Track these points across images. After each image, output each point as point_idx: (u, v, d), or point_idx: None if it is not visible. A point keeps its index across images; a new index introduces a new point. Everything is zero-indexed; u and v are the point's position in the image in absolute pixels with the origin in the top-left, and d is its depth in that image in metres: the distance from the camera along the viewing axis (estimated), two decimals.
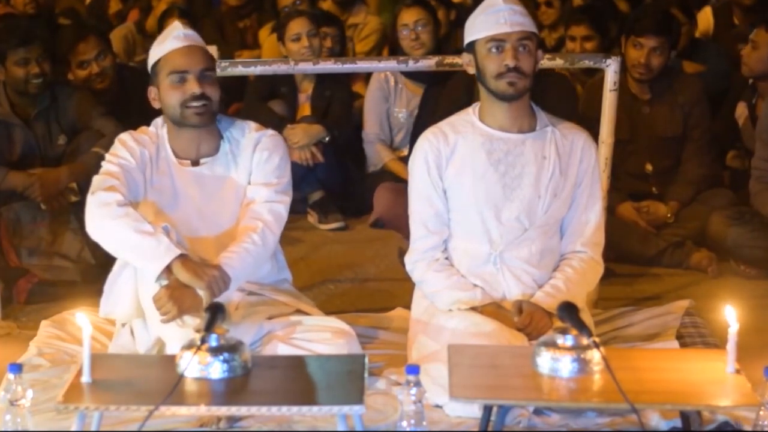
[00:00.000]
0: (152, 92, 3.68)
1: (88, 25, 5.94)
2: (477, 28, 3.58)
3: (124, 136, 3.71)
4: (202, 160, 3.70)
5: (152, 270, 3.43)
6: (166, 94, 3.62)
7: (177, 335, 3.35)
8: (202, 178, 3.68)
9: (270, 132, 3.77)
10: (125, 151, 3.65)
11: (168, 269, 3.41)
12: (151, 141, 3.70)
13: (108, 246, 3.54)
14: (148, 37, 7.45)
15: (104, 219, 3.48)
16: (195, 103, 3.58)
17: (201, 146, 3.70)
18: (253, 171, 3.69)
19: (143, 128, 3.75)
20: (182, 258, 3.41)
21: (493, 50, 3.54)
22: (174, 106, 3.61)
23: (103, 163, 3.66)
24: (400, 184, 4.64)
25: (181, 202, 3.66)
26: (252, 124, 3.77)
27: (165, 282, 3.41)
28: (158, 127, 3.74)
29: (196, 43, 3.65)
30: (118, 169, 3.59)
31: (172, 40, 3.62)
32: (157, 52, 3.65)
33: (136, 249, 3.44)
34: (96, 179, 3.59)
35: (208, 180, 3.68)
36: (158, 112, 3.76)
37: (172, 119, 3.66)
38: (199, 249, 3.56)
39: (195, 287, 3.39)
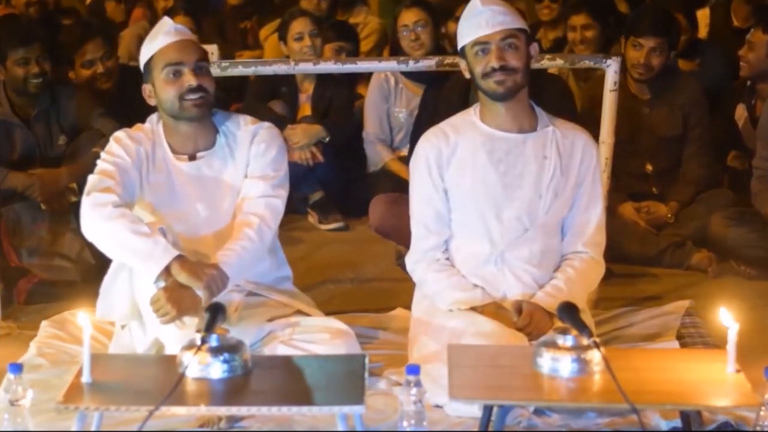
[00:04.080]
0: (146, 90, 3.67)
1: (95, 25, 5.93)
2: (463, 33, 3.62)
3: (119, 134, 3.68)
4: (198, 154, 3.68)
5: (150, 271, 3.40)
6: (162, 89, 3.61)
7: (176, 336, 3.34)
8: (200, 173, 3.67)
9: (266, 124, 3.75)
10: (120, 149, 3.62)
11: (166, 270, 3.39)
12: (146, 138, 3.67)
13: (104, 247, 3.51)
14: None
15: (100, 220, 3.45)
16: (192, 96, 3.57)
17: (198, 140, 3.68)
18: (250, 163, 3.68)
19: (138, 125, 3.73)
20: (180, 259, 3.40)
21: (479, 53, 3.57)
22: (171, 100, 3.59)
23: (98, 162, 3.62)
24: (395, 194, 4.64)
25: (178, 199, 3.64)
26: (248, 118, 3.76)
27: (163, 283, 3.39)
28: (153, 123, 3.72)
29: (187, 37, 3.64)
30: (113, 168, 3.56)
31: (164, 35, 3.61)
32: (149, 49, 3.64)
33: (133, 250, 3.41)
34: (91, 179, 3.56)
35: (206, 174, 3.67)
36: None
37: (169, 113, 3.64)
38: (198, 245, 3.55)
39: (193, 287, 3.38)
